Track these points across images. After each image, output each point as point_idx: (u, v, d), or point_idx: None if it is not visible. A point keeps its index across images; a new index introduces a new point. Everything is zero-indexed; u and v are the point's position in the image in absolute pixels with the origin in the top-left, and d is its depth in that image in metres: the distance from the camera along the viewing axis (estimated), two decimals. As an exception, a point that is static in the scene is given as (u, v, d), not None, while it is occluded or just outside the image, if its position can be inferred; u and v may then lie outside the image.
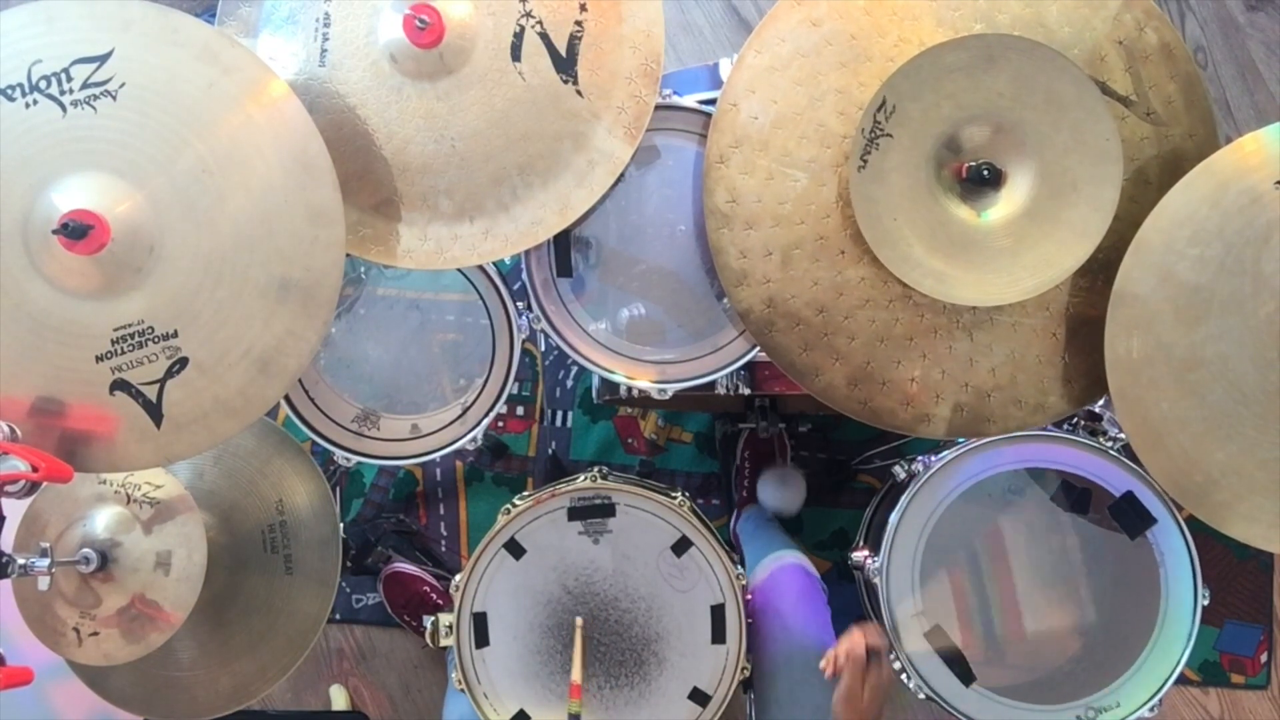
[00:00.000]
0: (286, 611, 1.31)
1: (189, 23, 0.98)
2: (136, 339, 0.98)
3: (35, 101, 0.95)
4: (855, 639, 1.18)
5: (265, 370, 1.01)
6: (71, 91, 0.96)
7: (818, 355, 1.14)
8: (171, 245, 0.97)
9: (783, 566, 1.49)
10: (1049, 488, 1.35)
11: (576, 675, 1.24)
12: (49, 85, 0.95)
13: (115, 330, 0.98)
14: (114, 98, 0.96)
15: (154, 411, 0.99)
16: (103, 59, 0.96)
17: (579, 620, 1.30)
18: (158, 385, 0.99)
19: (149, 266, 0.97)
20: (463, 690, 1.31)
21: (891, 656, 1.29)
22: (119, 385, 0.98)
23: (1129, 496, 1.28)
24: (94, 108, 0.96)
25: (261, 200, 0.98)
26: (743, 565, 1.50)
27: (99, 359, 0.98)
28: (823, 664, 1.19)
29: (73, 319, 0.97)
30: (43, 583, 1.11)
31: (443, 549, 2.01)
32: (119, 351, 0.98)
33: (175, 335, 0.99)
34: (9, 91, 0.95)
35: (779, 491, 1.80)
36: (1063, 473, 1.32)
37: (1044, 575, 1.39)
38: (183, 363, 0.99)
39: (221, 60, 0.98)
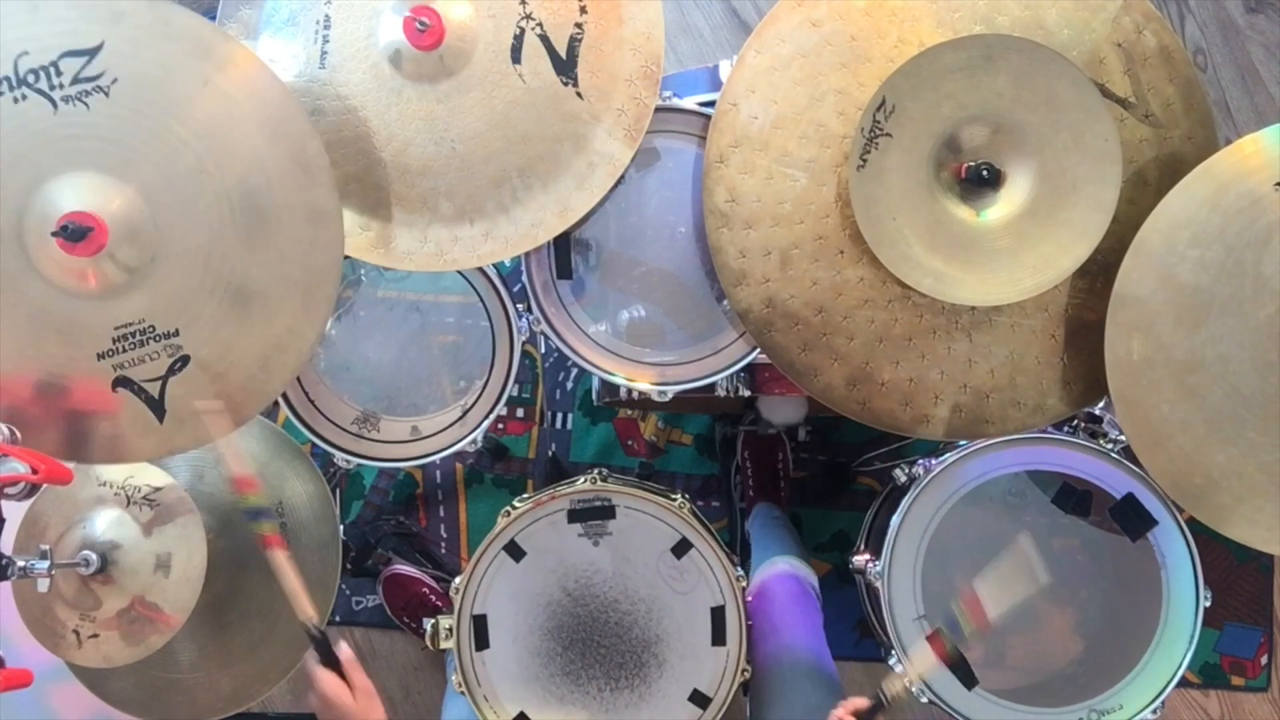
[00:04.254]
0: (286, 614, 1.30)
1: (181, 15, 0.95)
2: (138, 337, 0.98)
3: (24, 96, 0.93)
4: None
5: (265, 367, 1.01)
6: (62, 86, 0.93)
7: (816, 355, 1.14)
8: (170, 245, 0.97)
9: (774, 575, 1.50)
10: (1050, 490, 1.35)
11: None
12: (37, 79, 0.93)
13: (116, 329, 0.98)
14: (107, 94, 0.94)
15: (156, 407, 1.00)
16: (93, 53, 0.94)
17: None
18: (160, 382, 0.99)
19: (148, 267, 0.97)
20: (462, 693, 1.31)
21: (893, 660, 1.29)
22: (121, 382, 0.99)
23: (1130, 499, 1.28)
24: (86, 104, 0.94)
25: (260, 200, 0.98)
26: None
27: (100, 356, 0.98)
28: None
29: (72, 317, 0.97)
30: (42, 585, 1.11)
31: (442, 551, 2.01)
32: (120, 350, 0.98)
33: (176, 334, 0.99)
34: None
35: (780, 406, 1.73)
36: (1063, 475, 1.32)
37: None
38: (184, 360, 0.99)
39: (217, 57, 0.97)
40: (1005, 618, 1.14)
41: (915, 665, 1.24)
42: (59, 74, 0.93)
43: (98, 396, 0.99)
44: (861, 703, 1.15)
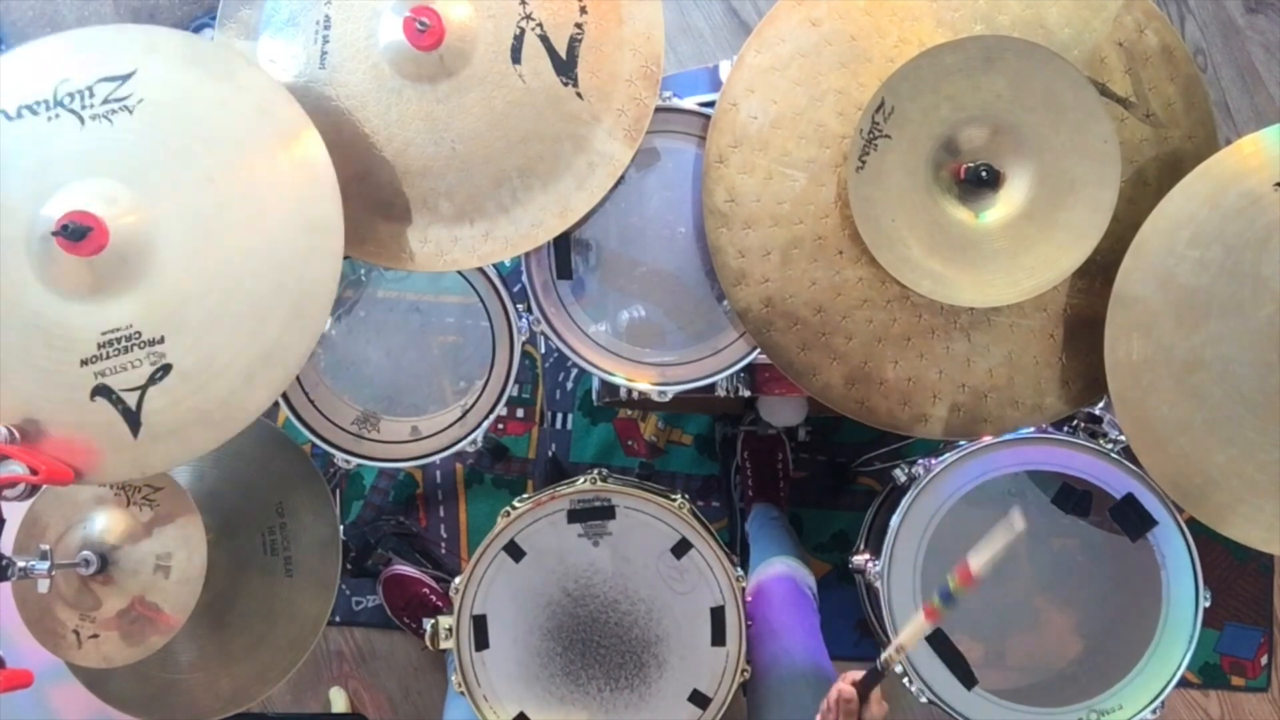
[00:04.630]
0: (286, 614, 1.31)
1: (207, 45, 1.02)
2: (123, 344, 0.98)
3: (57, 115, 0.99)
4: (841, 689, 1.12)
5: (250, 382, 0.99)
6: (92, 106, 0.99)
7: (815, 355, 1.14)
8: (168, 251, 0.98)
9: (770, 576, 1.50)
10: (1050, 490, 1.35)
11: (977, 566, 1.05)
12: (71, 100, 0.99)
13: (103, 334, 0.98)
14: (130, 112, 0.99)
15: (132, 420, 0.98)
16: (125, 78, 0.99)
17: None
18: (139, 392, 0.98)
19: (144, 271, 0.97)
20: (463, 693, 1.31)
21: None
22: (100, 391, 0.98)
23: (1129, 499, 1.27)
24: (110, 120, 0.99)
25: (261, 210, 0.99)
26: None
27: (84, 363, 0.98)
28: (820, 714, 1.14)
29: (62, 321, 0.97)
30: (42, 585, 1.11)
31: (442, 551, 2.01)
32: (104, 356, 0.98)
33: (161, 341, 0.98)
34: (34, 106, 0.99)
35: (779, 407, 1.72)
36: (1063, 475, 1.32)
37: (1045, 578, 1.39)
38: (166, 369, 0.98)
39: (236, 79, 1.01)
40: (988, 569, 1.10)
41: (907, 631, 1.22)
42: (92, 96, 0.99)
43: (69, 448, 0.98)
44: (859, 674, 1.13)
